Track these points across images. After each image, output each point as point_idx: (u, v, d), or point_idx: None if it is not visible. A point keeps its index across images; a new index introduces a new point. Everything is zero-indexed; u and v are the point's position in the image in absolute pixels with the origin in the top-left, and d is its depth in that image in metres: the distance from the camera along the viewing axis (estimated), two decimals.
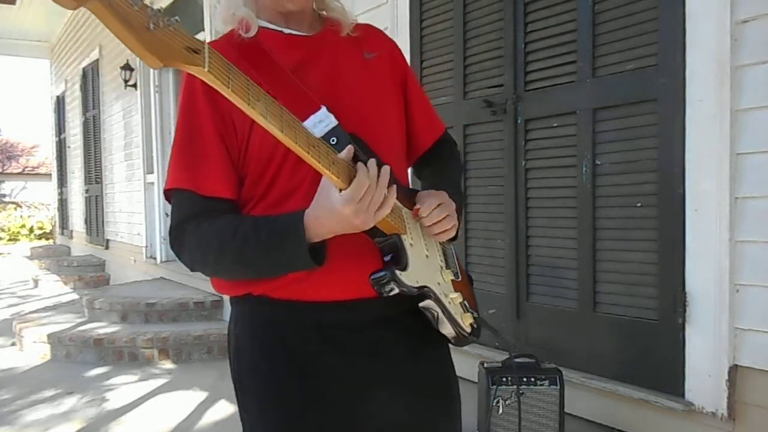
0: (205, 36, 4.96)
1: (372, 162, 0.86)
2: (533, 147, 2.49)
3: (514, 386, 2.05)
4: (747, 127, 1.81)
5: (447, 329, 1.06)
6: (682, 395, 1.98)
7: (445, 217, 1.01)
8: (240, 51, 0.98)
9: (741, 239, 1.83)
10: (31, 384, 3.90)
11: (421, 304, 1.01)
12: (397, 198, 0.92)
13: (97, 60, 7.85)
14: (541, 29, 2.43)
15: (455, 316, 1.05)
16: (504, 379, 2.06)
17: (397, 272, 0.92)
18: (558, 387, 2.06)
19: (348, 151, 0.86)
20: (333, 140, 0.91)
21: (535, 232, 2.51)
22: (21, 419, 3.31)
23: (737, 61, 1.82)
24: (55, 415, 3.35)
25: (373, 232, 0.94)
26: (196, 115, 0.99)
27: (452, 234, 1.05)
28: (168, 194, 1.02)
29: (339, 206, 0.84)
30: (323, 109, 0.95)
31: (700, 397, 1.92)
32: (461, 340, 1.09)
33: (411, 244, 0.98)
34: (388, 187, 0.87)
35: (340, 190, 0.84)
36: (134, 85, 6.48)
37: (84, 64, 8.47)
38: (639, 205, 2.13)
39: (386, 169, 0.87)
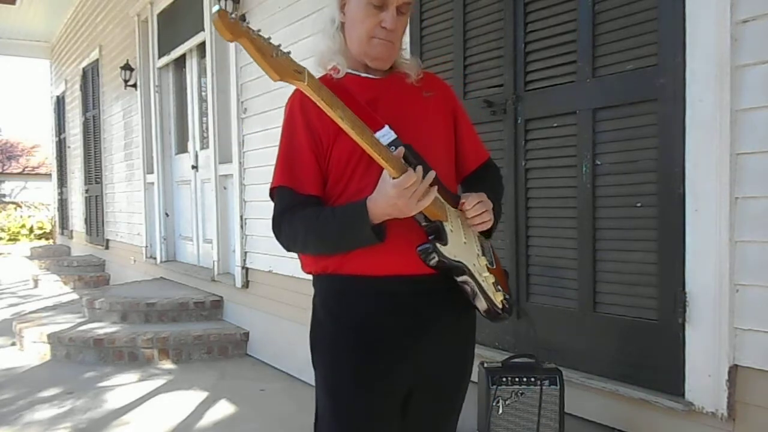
0: (206, 35, 4.96)
1: (420, 167, 1.16)
2: (533, 147, 2.49)
3: (514, 386, 2.05)
4: (747, 127, 1.81)
5: (481, 304, 1.33)
6: (682, 395, 1.98)
7: (484, 212, 1.30)
8: (330, 88, 1.29)
9: (741, 239, 1.83)
10: (31, 384, 3.90)
11: (458, 279, 1.29)
12: (443, 197, 1.26)
13: (97, 60, 7.85)
14: (541, 29, 2.42)
15: (488, 292, 1.32)
16: (504, 379, 2.06)
17: (438, 245, 1.23)
18: (558, 387, 2.06)
19: (399, 150, 1.18)
20: (392, 149, 1.19)
21: (535, 232, 2.51)
22: (21, 419, 3.31)
23: (737, 61, 1.82)
24: (55, 415, 3.35)
25: (421, 218, 1.23)
26: (295, 134, 1.32)
27: (489, 225, 1.34)
28: (272, 192, 1.33)
29: (390, 189, 1.15)
30: (386, 127, 1.25)
31: (700, 397, 1.92)
32: (494, 315, 1.35)
33: (451, 230, 1.27)
34: (430, 186, 1.17)
35: (394, 179, 1.14)
36: (134, 85, 6.48)
37: (84, 64, 8.47)
38: (639, 205, 2.13)
39: (431, 173, 1.18)
